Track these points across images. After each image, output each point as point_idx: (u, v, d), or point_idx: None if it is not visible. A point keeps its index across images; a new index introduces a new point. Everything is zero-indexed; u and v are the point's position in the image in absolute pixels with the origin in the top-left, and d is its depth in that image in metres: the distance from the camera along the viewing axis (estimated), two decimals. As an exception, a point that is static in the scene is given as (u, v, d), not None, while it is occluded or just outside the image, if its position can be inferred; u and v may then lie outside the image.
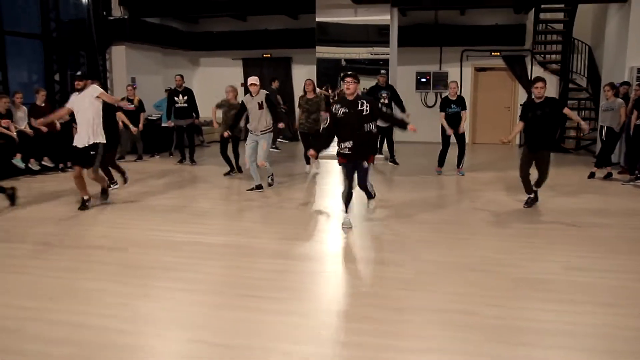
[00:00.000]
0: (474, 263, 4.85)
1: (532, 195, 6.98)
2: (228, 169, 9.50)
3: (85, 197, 6.98)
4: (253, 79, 7.93)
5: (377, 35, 11.62)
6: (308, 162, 9.43)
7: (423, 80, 14.34)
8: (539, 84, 6.62)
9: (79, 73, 7.11)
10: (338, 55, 12.03)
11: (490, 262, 4.90)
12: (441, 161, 9.52)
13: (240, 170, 9.61)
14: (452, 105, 9.17)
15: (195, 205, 7.37)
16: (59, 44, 11.53)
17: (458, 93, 9.33)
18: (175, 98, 10.78)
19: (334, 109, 5.76)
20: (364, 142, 5.66)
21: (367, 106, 5.63)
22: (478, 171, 9.64)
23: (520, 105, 7.15)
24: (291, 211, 6.98)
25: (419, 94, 14.45)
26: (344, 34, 11.84)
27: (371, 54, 11.72)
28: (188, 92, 10.81)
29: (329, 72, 11.96)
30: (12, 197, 7.05)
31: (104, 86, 11.86)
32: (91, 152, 6.77)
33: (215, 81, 10.06)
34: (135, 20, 12.73)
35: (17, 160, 9.07)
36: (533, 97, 6.75)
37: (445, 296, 4.10)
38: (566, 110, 6.84)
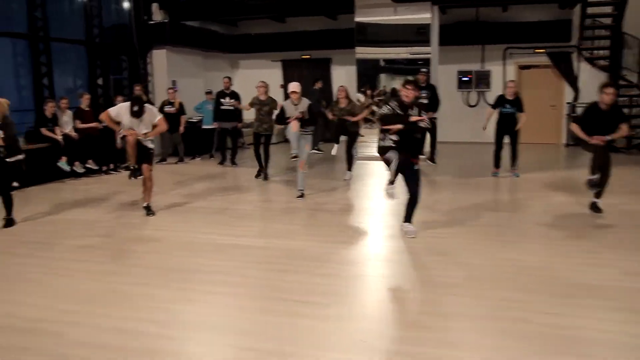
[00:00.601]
0: (525, 267, 4.65)
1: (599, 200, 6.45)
2: (258, 169, 9.44)
3: (135, 166, 6.72)
4: (294, 87, 7.62)
5: (416, 34, 11.42)
6: (349, 169, 9.21)
7: (465, 79, 14.02)
8: (610, 90, 5.99)
9: (136, 109, 6.45)
10: (377, 56, 11.87)
11: (543, 266, 4.68)
12: (497, 162, 9.14)
13: (266, 177, 9.33)
14: (507, 105, 8.80)
15: (237, 208, 7.34)
16: (102, 49, 11.73)
17: (516, 93, 8.89)
18: (222, 100, 10.84)
19: (385, 108, 5.56)
20: (409, 144, 5.45)
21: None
22: (525, 172, 9.30)
23: (584, 107, 6.61)
24: (332, 213, 6.87)
25: (461, 94, 14.15)
26: (383, 34, 11.67)
27: (410, 54, 11.53)
28: (235, 96, 10.86)
29: (368, 73, 11.82)
30: None
31: (146, 90, 12.01)
32: (149, 149, 6.72)
33: (254, 83, 10.14)
34: (176, 24, 12.85)
35: (63, 164, 9.25)
36: (599, 102, 6.17)
37: (495, 302, 3.92)
38: (624, 127, 6.25)
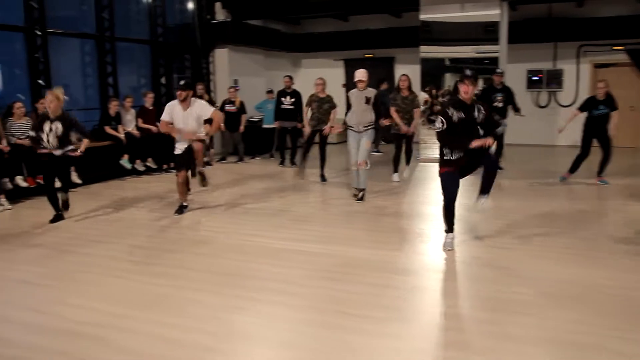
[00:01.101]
0: (598, 286, 4.24)
1: None
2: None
3: (185, 203, 6.97)
4: (361, 74, 7.34)
5: (484, 32, 10.94)
6: (407, 162, 8.97)
7: (535, 78, 13.36)
8: None
9: (182, 83, 6.74)
10: (442, 55, 11.47)
11: (618, 285, 4.26)
12: (575, 167, 8.50)
13: (324, 178, 9.09)
14: (599, 106, 8.16)
15: (295, 210, 7.15)
16: (165, 49, 11.88)
17: (608, 92, 8.21)
18: (282, 99, 10.76)
19: (449, 113, 5.00)
20: (475, 153, 4.99)
21: (482, 113, 5.06)
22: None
23: None
24: (392, 218, 6.60)
25: (530, 94, 13.50)
26: (449, 32, 11.25)
27: (477, 52, 11.06)
28: (295, 95, 10.75)
29: (432, 72, 11.44)
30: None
31: (207, 88, 12.08)
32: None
33: (316, 82, 10.09)
34: (238, 22, 12.85)
35: (125, 161, 9.40)
36: None
37: (568, 324, 3.56)
38: None
